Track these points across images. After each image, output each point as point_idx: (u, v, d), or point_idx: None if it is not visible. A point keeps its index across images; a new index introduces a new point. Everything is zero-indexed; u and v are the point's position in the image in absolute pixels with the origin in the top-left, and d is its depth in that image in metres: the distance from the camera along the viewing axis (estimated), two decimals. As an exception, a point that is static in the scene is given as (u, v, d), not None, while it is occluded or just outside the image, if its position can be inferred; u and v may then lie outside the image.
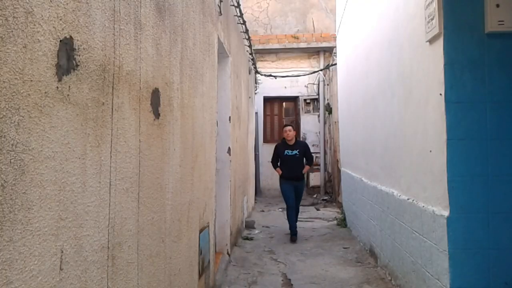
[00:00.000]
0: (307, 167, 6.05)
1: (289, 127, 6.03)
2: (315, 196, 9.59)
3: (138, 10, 1.67)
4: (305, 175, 6.80)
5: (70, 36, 1.16)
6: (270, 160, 6.28)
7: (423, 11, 2.79)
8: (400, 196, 3.47)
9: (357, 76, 5.46)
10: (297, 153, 5.91)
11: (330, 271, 4.25)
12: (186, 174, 2.47)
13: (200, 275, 2.87)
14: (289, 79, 9.97)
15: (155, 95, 1.88)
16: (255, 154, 9.13)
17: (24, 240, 0.97)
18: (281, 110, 10.78)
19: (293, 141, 5.97)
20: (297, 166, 5.92)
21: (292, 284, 3.91)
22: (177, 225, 2.28)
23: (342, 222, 6.60)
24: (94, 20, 1.29)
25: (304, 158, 6.02)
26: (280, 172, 5.99)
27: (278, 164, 6.08)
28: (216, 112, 3.62)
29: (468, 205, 2.47)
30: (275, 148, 6.18)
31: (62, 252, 1.13)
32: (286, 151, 5.92)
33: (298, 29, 10.51)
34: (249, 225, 6.44)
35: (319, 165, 9.83)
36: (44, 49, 1.04)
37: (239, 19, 5.22)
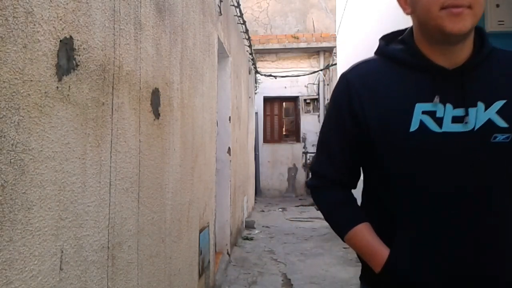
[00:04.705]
0: None
1: None
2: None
3: (138, 10, 1.67)
4: None
5: (70, 36, 1.16)
6: (311, 173, 1.10)
7: (423, 11, 2.79)
8: (400, 196, 3.46)
9: (357, 76, 5.45)
10: (509, 127, 0.87)
11: (330, 271, 4.25)
12: (186, 174, 2.47)
13: (200, 275, 2.87)
14: (289, 79, 9.98)
15: (155, 95, 1.88)
16: (255, 154, 9.13)
17: (24, 240, 0.97)
18: (281, 110, 10.79)
19: (470, 37, 0.92)
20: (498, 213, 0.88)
21: (292, 284, 3.91)
22: (177, 225, 2.28)
23: (342, 222, 6.59)
24: (94, 20, 1.29)
25: None
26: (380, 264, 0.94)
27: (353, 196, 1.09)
28: (216, 112, 3.62)
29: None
30: (332, 106, 1.07)
31: (62, 252, 1.13)
32: (427, 113, 0.89)
33: (298, 29, 10.51)
34: (249, 225, 6.44)
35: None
36: (44, 49, 1.04)
37: (239, 19, 5.21)
